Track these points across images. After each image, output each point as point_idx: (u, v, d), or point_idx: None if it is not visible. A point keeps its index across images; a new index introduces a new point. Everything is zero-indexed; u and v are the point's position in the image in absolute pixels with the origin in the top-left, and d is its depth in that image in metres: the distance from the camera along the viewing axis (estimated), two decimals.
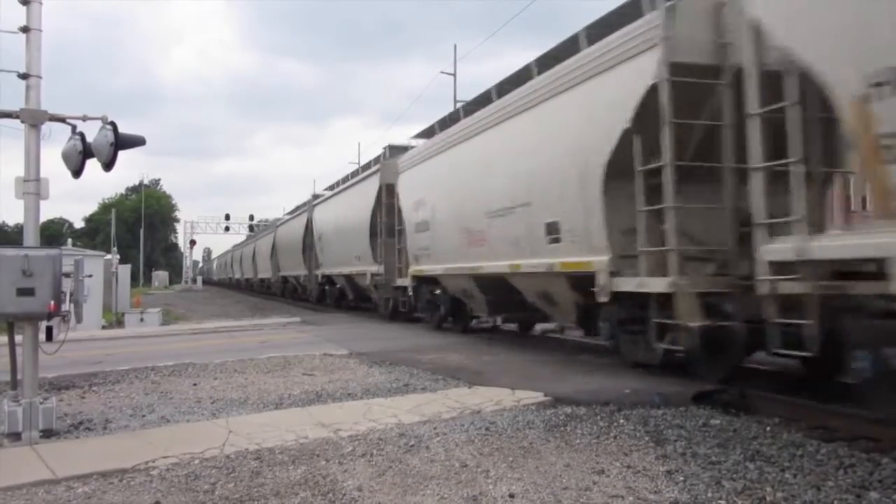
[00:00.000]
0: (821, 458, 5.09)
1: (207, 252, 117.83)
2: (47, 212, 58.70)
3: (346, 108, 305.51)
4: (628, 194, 8.06)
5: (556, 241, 9.61)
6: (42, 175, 6.49)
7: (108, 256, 28.51)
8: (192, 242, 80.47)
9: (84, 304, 7.35)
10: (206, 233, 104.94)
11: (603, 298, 8.49)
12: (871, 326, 5.51)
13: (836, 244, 5.82)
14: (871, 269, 5.39)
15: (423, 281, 15.61)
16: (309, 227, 27.11)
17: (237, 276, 57.89)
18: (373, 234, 18.57)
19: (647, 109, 7.62)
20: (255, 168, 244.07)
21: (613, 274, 8.36)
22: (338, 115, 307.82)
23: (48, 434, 6.22)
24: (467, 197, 12.55)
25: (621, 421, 6.23)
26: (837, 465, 4.90)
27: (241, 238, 68.38)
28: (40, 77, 6.45)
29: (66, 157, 6.87)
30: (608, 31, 8.69)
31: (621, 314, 8.65)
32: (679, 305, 7.32)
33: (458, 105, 17.12)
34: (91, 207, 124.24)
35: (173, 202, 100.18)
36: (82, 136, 6.77)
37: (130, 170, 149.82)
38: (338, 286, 24.54)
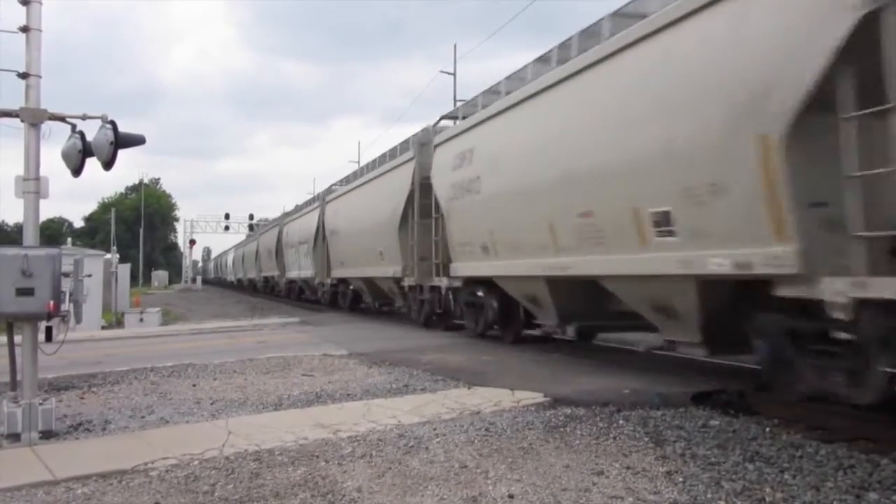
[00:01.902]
0: (820, 458, 5.09)
1: (207, 251, 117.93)
2: (47, 211, 58.86)
3: (346, 108, 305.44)
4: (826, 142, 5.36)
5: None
6: (42, 174, 6.49)
7: (108, 256, 28.56)
8: (192, 242, 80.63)
9: (83, 304, 7.34)
10: (205, 232, 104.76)
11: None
12: None
13: None
14: None
15: (469, 282, 12.93)
16: (321, 224, 24.56)
17: (239, 275, 55.86)
18: (401, 229, 15.96)
19: None
20: (255, 168, 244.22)
21: (803, 278, 5.58)
22: (338, 115, 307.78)
23: (47, 435, 6.21)
24: (546, 165, 9.26)
25: (621, 422, 6.23)
26: (837, 466, 4.90)
27: (241, 238, 68.11)
28: (40, 76, 6.45)
29: (66, 156, 6.86)
30: None
31: (792, 324, 6.06)
32: None
33: (458, 104, 16.83)
34: (91, 206, 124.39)
35: (173, 201, 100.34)
36: (82, 134, 6.77)
37: (130, 169, 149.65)
38: (352, 287, 22.34)
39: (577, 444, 5.61)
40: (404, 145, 17.30)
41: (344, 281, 22.99)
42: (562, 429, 6.04)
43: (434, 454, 5.34)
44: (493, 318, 12.49)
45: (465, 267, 12.64)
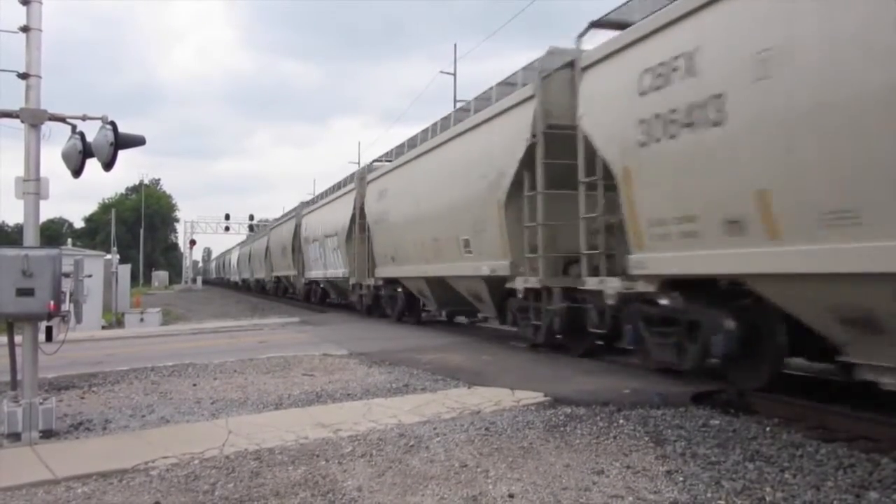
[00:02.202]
0: (820, 458, 5.09)
1: (207, 252, 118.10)
2: (47, 212, 58.68)
3: (346, 108, 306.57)
4: None
5: None
6: (42, 175, 6.50)
7: (108, 256, 28.61)
8: (192, 242, 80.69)
9: (84, 304, 7.36)
10: (205, 233, 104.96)
11: None
12: None
13: None
14: None
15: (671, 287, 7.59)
16: (357, 210, 19.61)
17: (245, 275, 51.88)
18: (507, 207, 10.88)
19: None
20: (254, 168, 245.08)
21: None
22: (338, 115, 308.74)
23: (48, 434, 6.21)
24: None
25: (621, 421, 6.23)
26: (837, 466, 4.90)
27: (242, 238, 67.68)
28: (40, 77, 6.44)
29: (66, 156, 6.86)
30: None
31: None
32: None
33: (459, 105, 16.05)
34: (91, 207, 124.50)
35: (173, 202, 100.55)
36: (82, 135, 6.77)
37: (130, 169, 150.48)
38: (401, 290, 17.26)
39: (577, 443, 5.61)
40: (502, 88, 11.93)
41: (394, 282, 17.63)
42: (562, 428, 6.04)
43: (434, 453, 5.34)
44: (725, 347, 6.89)
45: (674, 260, 7.29)
